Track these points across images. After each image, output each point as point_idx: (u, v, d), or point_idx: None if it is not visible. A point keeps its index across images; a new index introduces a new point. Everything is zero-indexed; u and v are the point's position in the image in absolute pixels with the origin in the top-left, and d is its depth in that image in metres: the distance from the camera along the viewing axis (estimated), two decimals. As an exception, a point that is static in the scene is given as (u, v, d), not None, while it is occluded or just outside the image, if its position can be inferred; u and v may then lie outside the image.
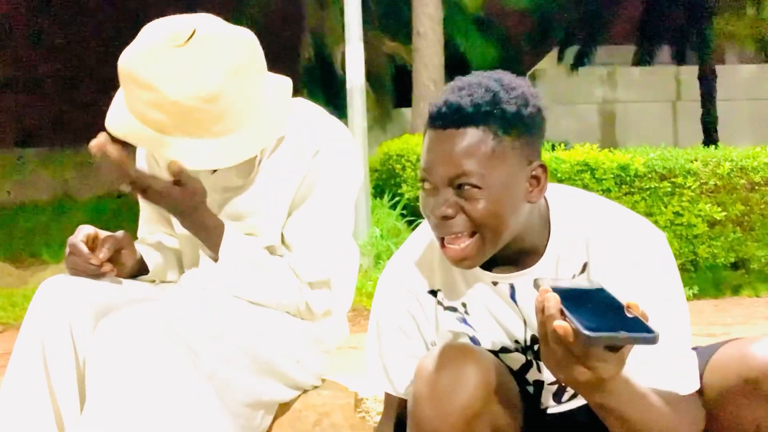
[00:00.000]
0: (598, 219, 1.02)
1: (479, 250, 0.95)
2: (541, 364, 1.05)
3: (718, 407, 0.94)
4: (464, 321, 1.05)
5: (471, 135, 0.91)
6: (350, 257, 1.39)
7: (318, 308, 1.29)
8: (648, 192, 4.14)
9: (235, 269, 1.22)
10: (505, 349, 1.06)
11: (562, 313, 0.75)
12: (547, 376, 1.06)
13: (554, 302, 0.76)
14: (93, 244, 1.22)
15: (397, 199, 5.82)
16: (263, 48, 1.20)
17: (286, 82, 1.25)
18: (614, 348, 0.76)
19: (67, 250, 1.21)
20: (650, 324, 0.74)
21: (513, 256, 1.01)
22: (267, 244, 1.26)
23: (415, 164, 5.62)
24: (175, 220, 1.25)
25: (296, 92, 1.23)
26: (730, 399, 0.92)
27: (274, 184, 1.24)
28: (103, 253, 1.20)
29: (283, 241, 1.28)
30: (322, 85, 11.24)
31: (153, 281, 1.33)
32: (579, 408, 1.07)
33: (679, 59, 14.24)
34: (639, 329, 0.73)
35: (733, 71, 13.86)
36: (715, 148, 4.40)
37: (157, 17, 1.17)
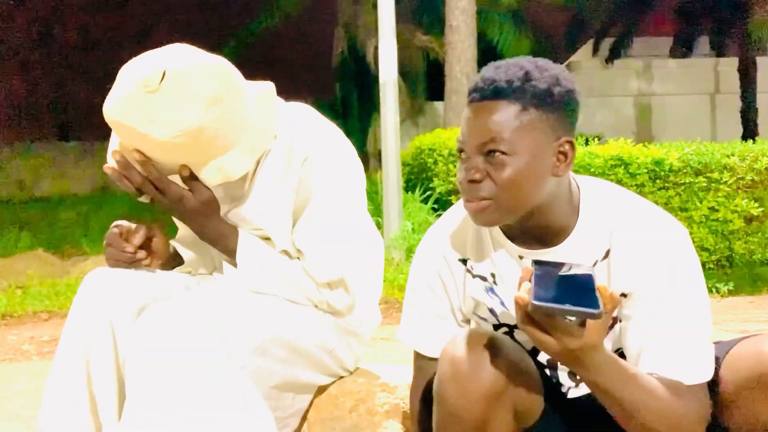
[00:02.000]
0: (625, 209, 1.06)
1: (497, 210, 1.01)
2: None
3: (733, 401, 0.97)
4: (491, 290, 1.11)
5: (502, 106, 0.99)
6: (372, 250, 1.42)
7: (339, 305, 1.33)
8: (683, 187, 4.09)
9: (254, 271, 1.28)
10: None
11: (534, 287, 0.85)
12: None
13: (525, 274, 0.87)
14: (128, 236, 1.30)
15: (429, 193, 5.83)
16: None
17: (268, 89, 1.30)
18: (582, 323, 0.85)
19: (105, 242, 1.30)
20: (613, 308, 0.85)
21: (539, 233, 1.06)
22: (281, 249, 1.31)
23: (447, 158, 5.62)
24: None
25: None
26: (745, 394, 0.95)
27: (270, 193, 1.29)
28: (137, 239, 1.28)
29: (295, 248, 1.32)
30: (355, 79, 11.28)
31: (189, 272, 1.40)
32: None
33: (718, 51, 13.92)
34: (587, 305, 0.81)
35: (775, 63, 13.49)
36: (753, 143, 4.32)
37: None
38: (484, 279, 1.12)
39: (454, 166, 5.37)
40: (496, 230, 1.10)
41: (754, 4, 12.02)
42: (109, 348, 1.20)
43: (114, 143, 1.24)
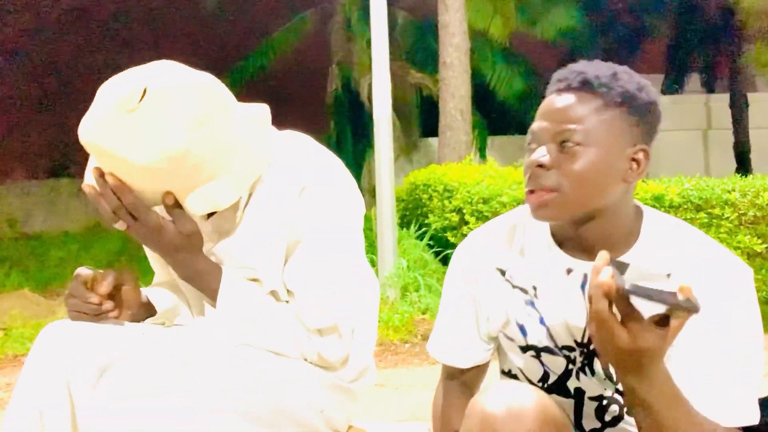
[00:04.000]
0: (688, 239, 1.00)
1: (560, 206, 0.96)
2: (580, 373, 1.03)
3: None
4: (531, 303, 1.05)
5: (586, 97, 0.96)
6: (367, 297, 1.30)
7: (331, 356, 1.20)
8: (683, 223, 4.02)
9: (236, 317, 1.15)
10: (550, 350, 1.04)
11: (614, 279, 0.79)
12: (586, 386, 1.03)
13: (601, 261, 0.80)
14: (93, 284, 1.16)
15: (423, 229, 5.75)
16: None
17: (262, 111, 1.19)
18: (660, 324, 0.79)
19: (66, 293, 1.15)
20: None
21: (594, 242, 0.99)
22: (269, 290, 1.19)
23: (442, 194, 5.56)
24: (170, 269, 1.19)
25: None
26: None
27: (262, 225, 1.17)
28: (103, 288, 1.14)
29: (286, 288, 1.20)
30: (349, 116, 11.31)
31: (163, 323, 1.25)
32: None
33: (709, 87, 14.08)
34: (686, 300, 0.74)
35: (765, 99, 13.63)
36: (752, 178, 4.27)
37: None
38: (525, 291, 1.05)
39: (450, 202, 5.31)
40: (546, 237, 1.04)
41: (744, 42, 12.19)
42: (66, 417, 1.05)
43: (94, 159, 1.11)
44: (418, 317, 4.31)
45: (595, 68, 0.98)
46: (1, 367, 3.69)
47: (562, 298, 1.02)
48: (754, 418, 0.92)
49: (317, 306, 1.17)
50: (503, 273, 1.07)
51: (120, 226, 1.10)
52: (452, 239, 5.12)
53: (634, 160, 0.97)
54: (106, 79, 1.11)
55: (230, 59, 12.51)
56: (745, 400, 0.92)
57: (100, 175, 1.08)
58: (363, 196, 1.27)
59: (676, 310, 0.77)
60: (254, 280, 1.19)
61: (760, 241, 3.94)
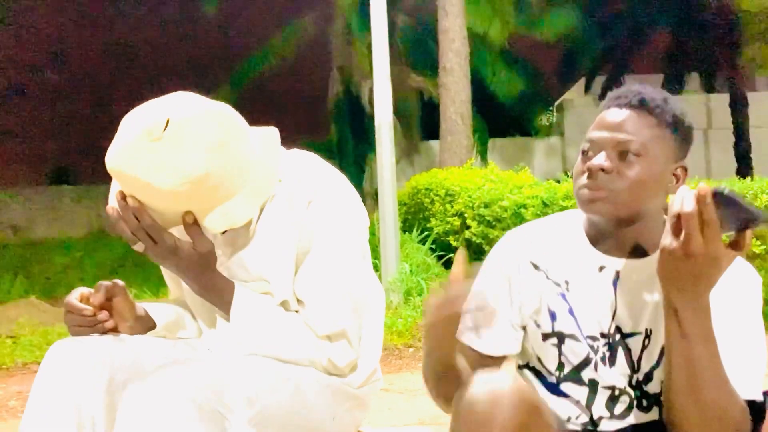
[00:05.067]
0: None
1: (612, 203, 1.06)
2: (599, 362, 1.10)
3: None
4: (563, 296, 1.14)
5: (645, 116, 1.08)
6: (373, 304, 1.36)
7: (341, 362, 1.26)
8: (683, 225, 4.04)
9: (249, 329, 1.22)
10: (575, 338, 1.12)
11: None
12: (603, 376, 1.10)
13: (703, 190, 0.91)
14: (87, 301, 1.23)
15: (426, 233, 5.78)
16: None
17: (272, 133, 1.28)
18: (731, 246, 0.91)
19: (64, 310, 1.22)
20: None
21: (628, 243, 1.10)
22: (280, 300, 1.25)
23: (444, 198, 5.59)
24: (185, 286, 1.26)
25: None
26: None
27: (273, 238, 1.24)
28: (96, 299, 1.22)
29: (296, 297, 1.27)
30: (351, 121, 11.35)
31: (164, 336, 1.31)
32: (632, 427, 1.10)
33: (708, 87, 14.10)
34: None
35: (765, 98, 13.66)
36: (751, 180, 4.30)
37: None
38: (557, 285, 1.15)
39: (451, 206, 5.35)
40: (581, 236, 1.14)
41: (743, 41, 12.21)
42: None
43: (117, 184, 1.19)
44: (421, 321, 4.35)
45: (650, 91, 1.11)
46: (11, 375, 3.73)
47: (593, 293, 1.12)
48: (758, 395, 1.00)
49: (326, 313, 1.23)
50: (537, 267, 1.17)
51: (138, 247, 1.17)
52: (454, 243, 5.15)
53: (675, 175, 1.09)
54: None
55: (231, 65, 12.56)
56: (752, 376, 1.01)
57: (122, 197, 1.15)
58: (365, 200, 1.32)
59: (754, 220, 0.89)
60: (265, 293, 1.25)
61: (759, 242, 3.97)
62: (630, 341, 1.10)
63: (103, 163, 1.16)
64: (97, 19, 16.19)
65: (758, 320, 1.06)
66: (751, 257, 3.99)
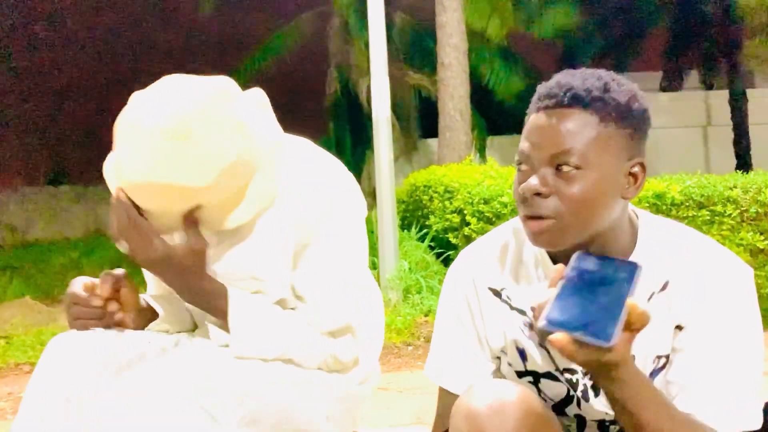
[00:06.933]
0: (686, 241, 0.98)
1: (560, 232, 0.92)
2: (581, 398, 1.01)
3: None
4: (531, 325, 1.02)
5: (580, 116, 0.90)
6: (372, 300, 1.30)
7: (345, 357, 1.20)
8: (686, 221, 4.00)
9: (251, 334, 1.13)
10: (551, 375, 1.02)
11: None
12: (588, 410, 1.01)
13: (557, 276, 0.82)
14: (92, 289, 1.13)
15: (425, 231, 5.73)
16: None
17: (259, 96, 1.19)
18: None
19: (67, 302, 1.13)
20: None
21: None
22: (277, 299, 1.18)
23: (442, 195, 5.54)
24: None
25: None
26: None
27: (267, 232, 1.15)
28: (104, 290, 1.12)
29: (294, 294, 1.19)
30: (348, 118, 11.30)
31: (167, 330, 1.22)
32: None
33: (707, 84, 14.07)
34: (601, 331, 0.75)
35: (764, 95, 13.62)
36: (754, 174, 4.25)
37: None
38: (523, 313, 1.02)
39: (450, 203, 5.29)
40: (543, 257, 1.01)
41: (742, 38, 12.18)
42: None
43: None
44: (420, 319, 4.30)
45: (583, 80, 0.92)
46: (3, 375, 3.66)
47: None
48: (755, 423, 0.90)
49: (330, 309, 1.17)
50: (499, 294, 1.04)
51: (122, 247, 1.09)
52: (453, 240, 5.10)
53: (631, 174, 0.93)
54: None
55: (228, 63, 12.51)
56: (745, 405, 0.90)
57: (121, 191, 1.07)
58: (363, 198, 1.26)
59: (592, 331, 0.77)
60: (257, 292, 1.17)
61: (762, 237, 3.92)
62: None
63: (101, 164, 1.07)
64: (96, 21, 16.14)
65: (749, 330, 0.92)
66: (755, 252, 3.95)
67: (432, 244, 5.55)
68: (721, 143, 12.89)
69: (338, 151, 11.23)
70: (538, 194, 0.91)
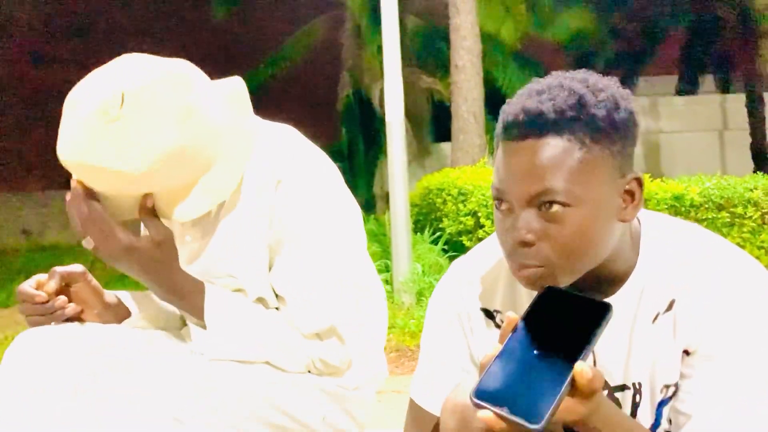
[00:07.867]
0: (694, 248, 0.87)
1: (555, 277, 0.82)
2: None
3: None
4: None
5: (555, 145, 0.77)
6: (372, 300, 1.22)
7: (335, 360, 1.12)
8: (705, 223, 3.93)
9: (230, 334, 1.08)
10: None
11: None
12: None
13: (508, 326, 0.73)
14: (41, 288, 1.10)
15: (438, 234, 5.69)
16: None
17: (237, 86, 1.12)
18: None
19: (18, 298, 1.09)
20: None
21: (592, 282, 0.86)
22: (256, 297, 1.11)
23: (456, 198, 5.50)
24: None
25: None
26: None
27: (239, 227, 1.08)
28: (49, 285, 1.08)
29: (275, 293, 1.13)
30: (361, 122, 11.28)
31: (143, 327, 1.17)
32: None
33: (723, 88, 13.94)
34: (531, 410, 0.67)
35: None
36: (774, 176, 4.17)
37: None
38: None
39: (464, 206, 5.24)
40: None
41: (759, 42, 12.06)
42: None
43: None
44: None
45: (553, 101, 0.78)
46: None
47: None
48: None
49: (310, 309, 1.09)
50: (492, 317, 0.95)
51: (87, 244, 1.04)
52: (467, 243, 5.06)
53: (627, 192, 0.82)
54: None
55: (241, 68, 12.55)
56: None
57: (78, 183, 1.02)
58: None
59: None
60: (238, 290, 1.11)
61: (780, 235, 3.84)
62: (620, 396, 0.88)
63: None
64: (100, 22, 16.30)
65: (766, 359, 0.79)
66: (776, 255, 3.86)
67: (445, 247, 5.51)
68: (737, 147, 12.75)
69: (351, 154, 11.21)
70: (524, 243, 0.80)
